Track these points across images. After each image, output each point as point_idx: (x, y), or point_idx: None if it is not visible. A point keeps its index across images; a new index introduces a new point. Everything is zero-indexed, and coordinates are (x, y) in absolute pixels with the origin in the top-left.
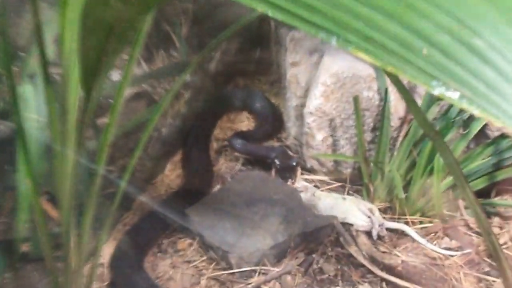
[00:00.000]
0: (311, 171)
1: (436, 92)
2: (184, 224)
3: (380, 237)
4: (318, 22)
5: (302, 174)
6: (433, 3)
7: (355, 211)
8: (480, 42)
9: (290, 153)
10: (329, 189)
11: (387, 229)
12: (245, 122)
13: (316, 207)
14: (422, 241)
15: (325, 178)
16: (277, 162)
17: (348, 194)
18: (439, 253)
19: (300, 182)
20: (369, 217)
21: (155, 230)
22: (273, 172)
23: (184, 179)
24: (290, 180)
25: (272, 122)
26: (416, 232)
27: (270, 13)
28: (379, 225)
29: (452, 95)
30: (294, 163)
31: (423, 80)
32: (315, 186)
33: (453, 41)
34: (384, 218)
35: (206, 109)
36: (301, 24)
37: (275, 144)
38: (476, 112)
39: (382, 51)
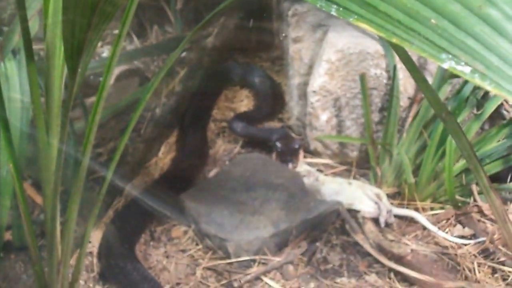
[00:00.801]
0: (315, 153)
1: (446, 65)
2: (165, 211)
3: (388, 225)
4: None
5: (305, 157)
6: None
7: (361, 197)
8: (493, 11)
9: (293, 135)
10: (333, 173)
11: (396, 215)
12: (245, 102)
13: (320, 192)
14: (433, 228)
15: (330, 161)
16: (278, 144)
17: (354, 178)
18: (451, 241)
19: (302, 166)
20: (376, 203)
21: (142, 216)
22: (273, 155)
23: (173, 162)
24: (291, 164)
25: (273, 99)
26: (426, 219)
27: None
28: (387, 212)
29: (463, 69)
30: (297, 146)
31: (431, 52)
32: (319, 170)
33: (464, 10)
34: (392, 204)
35: (204, 87)
36: None
37: (277, 125)
38: (489, 87)
39: (387, 21)
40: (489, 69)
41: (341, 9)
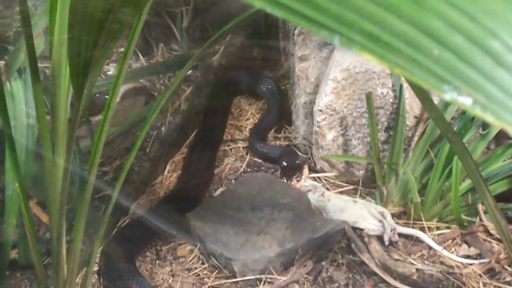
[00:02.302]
0: (321, 172)
1: (448, 97)
2: (170, 231)
3: (392, 243)
4: (320, 19)
5: (310, 174)
6: (447, 0)
7: (365, 215)
8: (496, 43)
9: (299, 152)
10: (340, 192)
11: (400, 234)
12: (250, 120)
13: (325, 208)
14: (438, 247)
15: (336, 179)
16: (283, 162)
17: (360, 197)
18: (455, 261)
19: (308, 181)
20: (380, 221)
21: (143, 233)
22: (278, 171)
23: (178, 182)
24: (294, 178)
25: (281, 104)
26: (431, 238)
27: (269, 9)
28: (391, 230)
29: (465, 101)
30: (301, 162)
31: (433, 83)
32: (325, 187)
33: (466, 41)
34: (397, 223)
35: (214, 101)
36: (302, 21)
37: (284, 143)
38: (490, 119)
39: (389, 52)
40: (490, 101)
41: (344, 39)
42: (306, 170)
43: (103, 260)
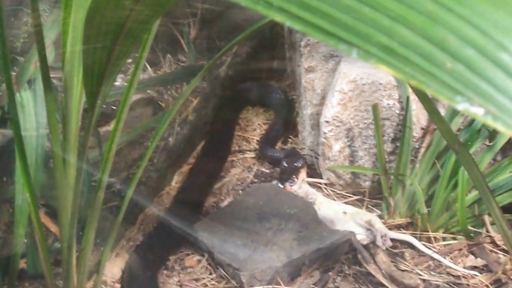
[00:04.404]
0: (327, 183)
1: (460, 107)
2: (192, 240)
3: (387, 248)
4: (339, 33)
5: (312, 177)
6: (458, 16)
7: (353, 227)
8: (505, 56)
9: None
10: (346, 202)
11: (392, 239)
12: (257, 131)
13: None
14: (428, 252)
15: (342, 190)
16: (283, 162)
17: (367, 208)
18: (457, 270)
19: (303, 186)
20: (368, 229)
21: (165, 245)
22: (278, 173)
23: (178, 193)
24: (288, 183)
25: (289, 113)
26: (423, 244)
27: (289, 23)
28: (382, 236)
29: (477, 111)
30: (299, 165)
31: (447, 95)
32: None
33: (478, 54)
34: (405, 232)
35: (223, 111)
36: (321, 35)
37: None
38: (501, 128)
39: (405, 65)
40: (501, 111)
41: (361, 52)
42: (302, 175)
43: (127, 273)
